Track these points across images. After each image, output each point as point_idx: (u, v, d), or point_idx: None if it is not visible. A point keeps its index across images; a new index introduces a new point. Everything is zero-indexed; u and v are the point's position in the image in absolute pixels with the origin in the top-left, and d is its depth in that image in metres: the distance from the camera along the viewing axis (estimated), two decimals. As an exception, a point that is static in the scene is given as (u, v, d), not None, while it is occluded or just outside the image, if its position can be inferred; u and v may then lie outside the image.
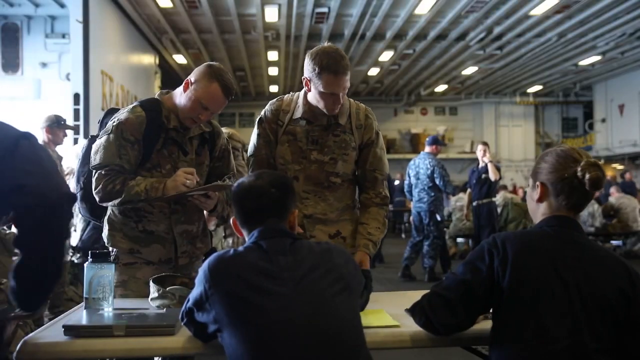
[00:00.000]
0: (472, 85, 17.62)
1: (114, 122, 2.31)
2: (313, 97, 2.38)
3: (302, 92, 2.47)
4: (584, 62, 14.17)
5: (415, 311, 1.71)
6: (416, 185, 7.27)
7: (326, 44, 2.40)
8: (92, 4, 8.20)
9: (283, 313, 1.46)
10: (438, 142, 7.55)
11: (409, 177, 7.40)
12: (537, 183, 1.69)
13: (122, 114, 2.33)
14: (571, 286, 1.53)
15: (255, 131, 2.53)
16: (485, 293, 1.59)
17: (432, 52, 13.08)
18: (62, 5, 8.80)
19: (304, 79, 2.38)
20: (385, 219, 2.50)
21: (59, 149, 5.08)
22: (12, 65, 9.29)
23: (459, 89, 18.40)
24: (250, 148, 2.54)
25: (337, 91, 2.32)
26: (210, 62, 2.38)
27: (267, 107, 2.53)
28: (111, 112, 2.50)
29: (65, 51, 8.93)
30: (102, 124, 2.50)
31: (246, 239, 1.67)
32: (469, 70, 15.10)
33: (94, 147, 2.33)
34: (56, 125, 4.91)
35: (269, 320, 1.46)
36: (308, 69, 2.34)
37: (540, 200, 1.69)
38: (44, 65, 9.28)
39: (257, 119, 2.53)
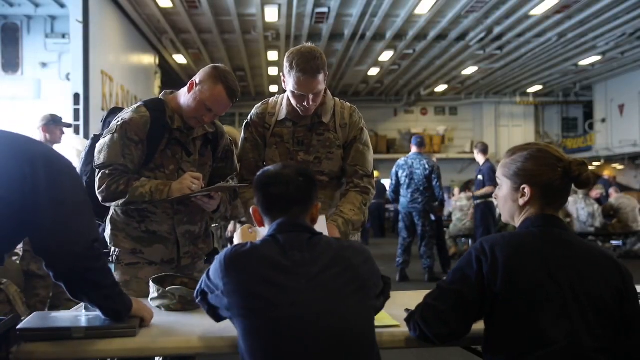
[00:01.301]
0: (472, 85, 17.61)
1: (118, 121, 2.31)
2: (288, 95, 2.41)
3: (286, 93, 2.48)
4: (584, 62, 14.16)
5: (410, 324, 1.69)
6: (409, 186, 7.20)
7: (308, 44, 2.38)
8: (92, 4, 8.19)
9: (293, 309, 1.47)
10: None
11: (397, 176, 7.29)
12: (524, 187, 1.65)
13: (126, 114, 2.33)
14: (565, 287, 1.51)
15: (242, 136, 2.55)
16: (476, 301, 1.57)
17: (432, 52, 13.07)
18: (62, 5, 8.79)
19: (281, 76, 2.40)
20: (363, 204, 2.47)
21: (56, 147, 5.07)
22: (12, 65, 9.28)
23: (459, 89, 18.39)
24: (239, 152, 2.55)
25: (306, 92, 2.31)
26: (216, 64, 2.39)
27: (252, 111, 2.54)
28: (115, 111, 2.51)
29: (65, 51, 8.93)
30: (106, 122, 2.50)
31: (266, 229, 1.67)
32: (469, 70, 15.09)
33: (98, 146, 2.33)
34: (52, 124, 4.91)
35: (279, 314, 1.46)
36: (285, 66, 2.35)
37: (528, 203, 1.65)
38: (44, 65, 9.27)
39: (244, 124, 2.55)
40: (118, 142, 2.27)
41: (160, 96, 2.45)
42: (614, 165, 18.58)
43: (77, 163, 4.90)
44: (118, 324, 1.70)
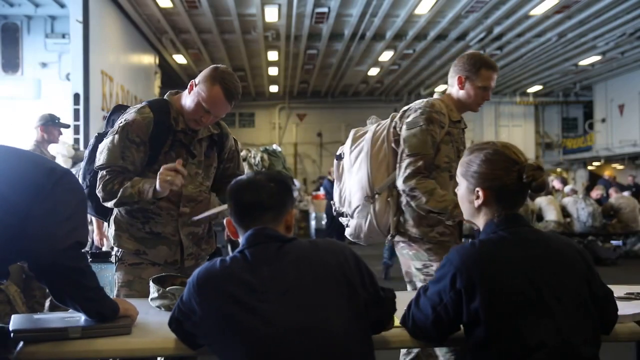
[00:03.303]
0: (472, 85, 17.60)
1: (121, 122, 2.31)
2: (465, 94, 2.62)
3: (445, 97, 2.66)
4: (584, 62, 14.17)
5: (406, 327, 1.69)
6: None
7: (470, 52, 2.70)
8: (92, 4, 8.20)
9: (268, 328, 1.41)
10: None
11: None
12: (478, 190, 1.63)
13: (129, 114, 2.32)
14: (543, 288, 1.51)
15: (423, 129, 2.52)
16: (452, 316, 1.56)
17: (432, 52, 13.08)
18: (62, 5, 8.80)
19: (458, 77, 2.60)
20: None
21: (51, 147, 5.05)
22: (12, 65, 9.29)
23: (459, 89, 18.39)
24: (417, 146, 2.51)
25: (492, 85, 2.63)
26: (218, 65, 2.37)
27: (427, 108, 2.56)
28: (119, 109, 2.49)
29: (65, 51, 8.93)
30: (109, 120, 2.49)
31: (240, 239, 1.62)
32: (469, 70, 15.07)
33: (100, 147, 2.33)
34: (51, 124, 4.89)
35: (256, 336, 1.41)
36: (465, 67, 2.60)
37: (483, 205, 1.64)
38: (44, 65, 9.28)
39: (425, 118, 2.53)
40: (118, 144, 2.26)
41: (165, 96, 2.44)
42: (614, 165, 18.58)
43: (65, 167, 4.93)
44: (113, 323, 1.71)
